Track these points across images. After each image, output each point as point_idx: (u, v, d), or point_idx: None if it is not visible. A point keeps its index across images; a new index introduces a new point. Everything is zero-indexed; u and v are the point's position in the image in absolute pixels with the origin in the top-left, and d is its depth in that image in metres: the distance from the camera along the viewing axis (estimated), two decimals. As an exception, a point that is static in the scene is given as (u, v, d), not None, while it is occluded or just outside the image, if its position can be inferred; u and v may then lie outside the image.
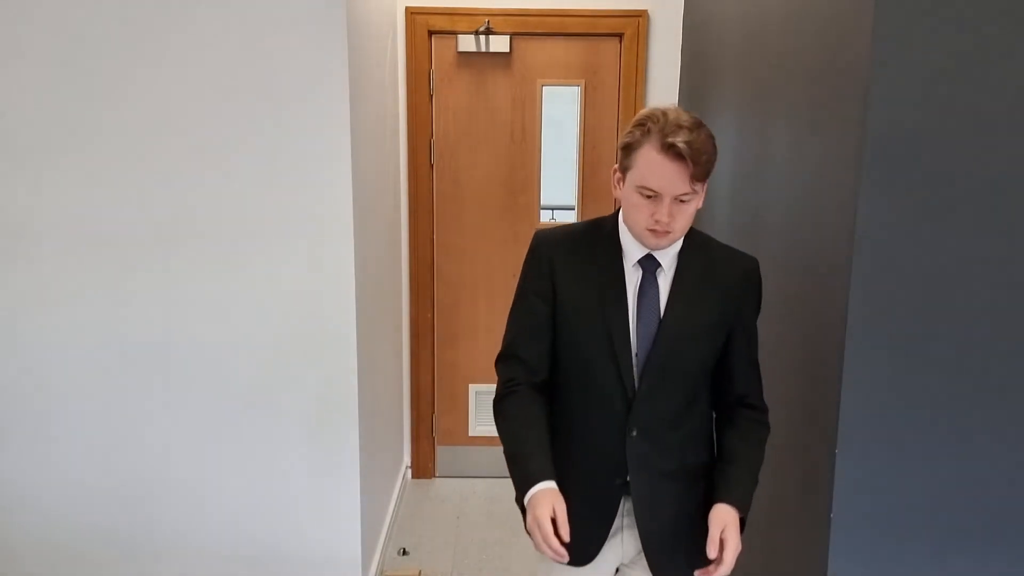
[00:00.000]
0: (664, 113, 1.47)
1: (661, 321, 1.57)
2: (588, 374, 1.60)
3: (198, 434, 2.47)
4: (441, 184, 3.61)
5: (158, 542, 2.54)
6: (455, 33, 3.45)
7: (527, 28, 3.45)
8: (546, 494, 1.50)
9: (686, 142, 1.42)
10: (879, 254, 1.56)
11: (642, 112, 1.53)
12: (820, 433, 1.71)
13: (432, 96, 3.52)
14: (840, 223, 1.63)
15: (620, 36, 3.46)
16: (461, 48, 3.46)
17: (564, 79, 3.54)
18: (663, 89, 3.48)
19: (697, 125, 1.46)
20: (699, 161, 1.44)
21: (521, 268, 1.67)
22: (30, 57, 2.26)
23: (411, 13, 3.41)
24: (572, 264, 1.60)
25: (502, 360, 1.68)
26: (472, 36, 3.44)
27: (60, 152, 2.31)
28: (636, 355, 1.57)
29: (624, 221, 1.58)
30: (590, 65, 3.52)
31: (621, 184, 1.55)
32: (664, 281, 1.59)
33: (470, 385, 3.78)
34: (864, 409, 1.61)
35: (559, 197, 3.67)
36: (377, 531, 3.00)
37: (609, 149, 3.59)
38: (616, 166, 1.57)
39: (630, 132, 1.50)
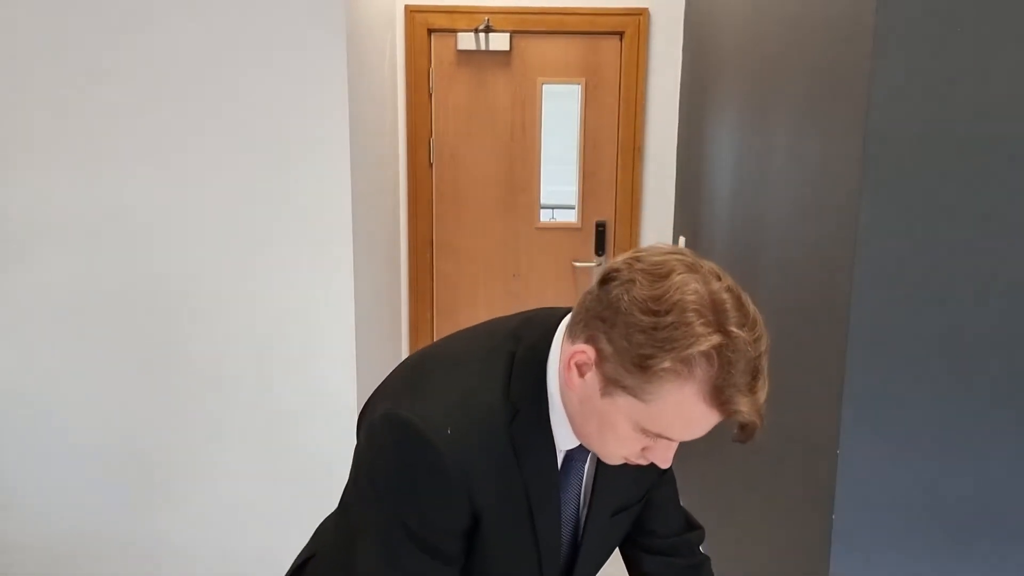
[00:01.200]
0: (723, 331, 0.87)
1: (588, 517, 1.13)
2: None
3: (196, 434, 2.46)
4: (441, 184, 3.60)
5: (156, 542, 2.53)
6: (454, 31, 3.44)
7: (527, 26, 3.44)
8: None
9: (757, 410, 0.89)
10: (881, 254, 1.55)
11: (674, 305, 0.88)
12: (822, 434, 1.70)
13: (431, 95, 3.51)
14: (842, 223, 1.63)
15: (621, 34, 3.45)
16: (461, 46, 3.45)
17: (564, 77, 3.53)
18: (664, 88, 3.48)
19: (764, 351, 0.90)
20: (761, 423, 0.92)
21: (382, 481, 1.02)
22: (27, 59, 2.25)
23: (410, 11, 3.40)
24: (493, 476, 1.02)
25: None
26: (472, 34, 3.43)
27: (57, 153, 2.30)
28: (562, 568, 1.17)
29: (575, 428, 1.02)
30: (590, 63, 3.51)
31: (590, 372, 0.95)
32: (589, 460, 1.11)
33: (470, 385, 3.77)
34: (866, 410, 1.60)
35: (559, 196, 3.66)
36: (377, 531, 2.99)
37: (610, 148, 3.57)
38: (588, 349, 0.94)
39: (654, 353, 0.88)
